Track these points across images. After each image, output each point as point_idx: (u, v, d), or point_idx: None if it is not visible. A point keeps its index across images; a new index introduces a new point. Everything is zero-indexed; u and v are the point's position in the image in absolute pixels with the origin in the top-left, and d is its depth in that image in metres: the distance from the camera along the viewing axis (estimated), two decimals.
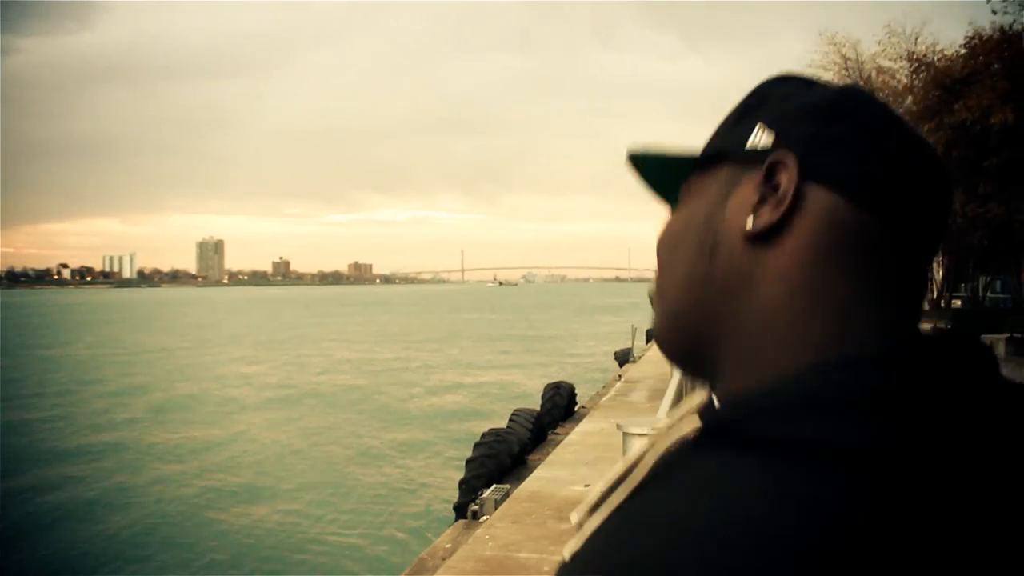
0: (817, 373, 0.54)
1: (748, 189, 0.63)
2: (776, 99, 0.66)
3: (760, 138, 0.64)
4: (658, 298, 0.70)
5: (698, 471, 0.52)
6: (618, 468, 0.59)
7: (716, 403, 0.60)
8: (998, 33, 26.76)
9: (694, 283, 0.65)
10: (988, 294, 36.70)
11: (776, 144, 0.63)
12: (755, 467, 0.49)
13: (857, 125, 0.63)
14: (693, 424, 0.56)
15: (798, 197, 0.60)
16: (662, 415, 4.88)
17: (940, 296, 35.61)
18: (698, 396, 0.62)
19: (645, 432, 3.21)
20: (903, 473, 0.47)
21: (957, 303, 36.21)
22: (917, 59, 30.92)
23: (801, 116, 0.64)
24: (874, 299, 0.60)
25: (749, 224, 0.61)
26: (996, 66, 26.22)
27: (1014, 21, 26.60)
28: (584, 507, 0.59)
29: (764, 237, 0.61)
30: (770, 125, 0.64)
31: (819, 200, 0.61)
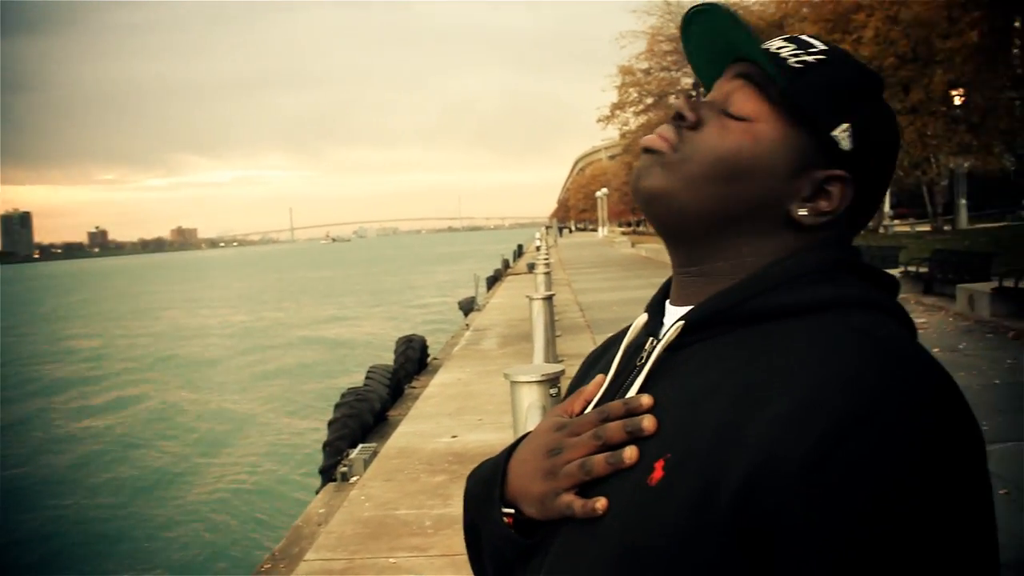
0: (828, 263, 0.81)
1: (810, 180, 0.82)
2: (862, 102, 0.82)
3: (844, 140, 0.81)
4: (711, 200, 0.83)
5: (831, 324, 0.74)
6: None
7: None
8: None
9: (741, 203, 0.82)
10: None
11: (851, 157, 0.81)
12: (859, 316, 0.75)
13: (889, 156, 0.85)
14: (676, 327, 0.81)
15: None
16: (539, 361, 4.96)
17: None
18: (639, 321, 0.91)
19: (533, 379, 3.24)
20: (898, 312, 0.80)
21: None
22: (735, 3, 32.06)
23: (874, 143, 0.82)
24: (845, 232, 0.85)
25: (799, 213, 0.82)
26: (805, 10, 27.57)
27: None
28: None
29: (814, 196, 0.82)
30: (854, 136, 0.81)
31: (847, 199, 0.82)
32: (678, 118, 0.85)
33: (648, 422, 0.76)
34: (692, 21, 0.87)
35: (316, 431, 11.32)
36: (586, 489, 0.78)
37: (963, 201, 32.57)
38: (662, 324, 0.88)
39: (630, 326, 0.92)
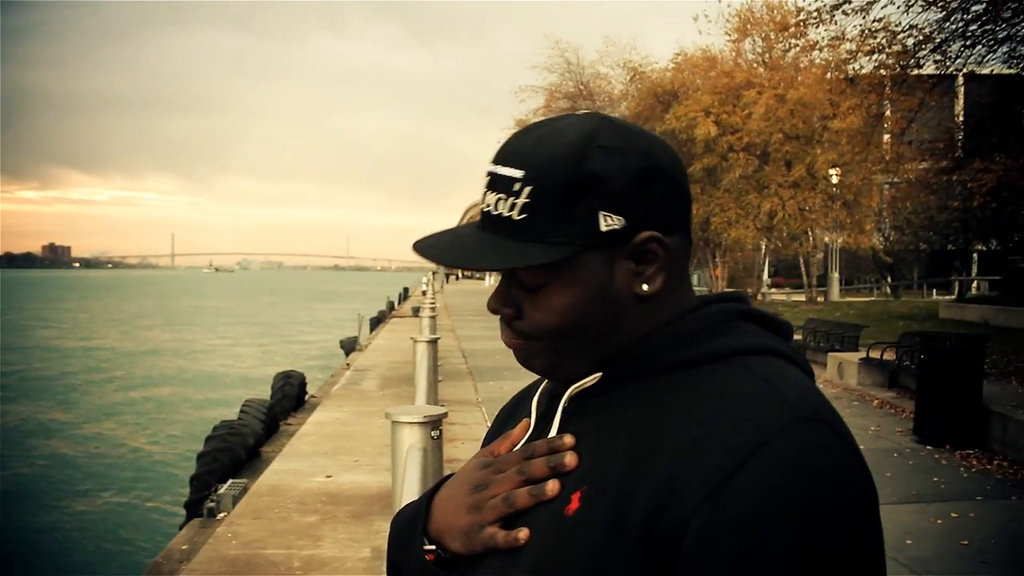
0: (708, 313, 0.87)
1: (623, 267, 0.84)
2: (599, 181, 0.82)
3: (610, 223, 0.82)
4: (575, 342, 0.87)
5: (727, 369, 0.81)
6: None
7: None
8: (700, 53, 29.31)
9: (601, 332, 0.86)
10: None
11: (627, 223, 0.82)
12: (753, 361, 0.82)
13: (669, 178, 0.85)
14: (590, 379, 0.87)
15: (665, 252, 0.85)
16: (421, 401, 4.92)
17: None
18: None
19: (415, 420, 3.22)
20: (791, 356, 0.86)
21: None
22: (632, 69, 33.03)
23: (631, 190, 0.82)
24: (687, 284, 0.89)
25: (643, 289, 0.85)
26: (699, 82, 28.68)
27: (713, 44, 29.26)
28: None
29: (650, 296, 0.85)
30: (611, 210, 0.82)
31: (672, 247, 0.85)
32: (502, 318, 0.90)
33: (570, 458, 0.82)
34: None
35: (186, 461, 10.91)
36: (509, 522, 0.84)
37: (835, 274, 34.05)
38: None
39: (541, 380, 0.98)
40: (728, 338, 0.85)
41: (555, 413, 0.90)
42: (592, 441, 0.83)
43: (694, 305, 0.89)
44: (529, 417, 0.95)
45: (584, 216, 0.81)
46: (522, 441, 0.92)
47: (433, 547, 0.90)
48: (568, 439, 0.84)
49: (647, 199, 0.83)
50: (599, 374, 0.87)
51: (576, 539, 0.77)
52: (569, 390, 0.89)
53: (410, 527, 0.93)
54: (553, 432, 0.88)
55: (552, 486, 0.82)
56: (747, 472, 0.71)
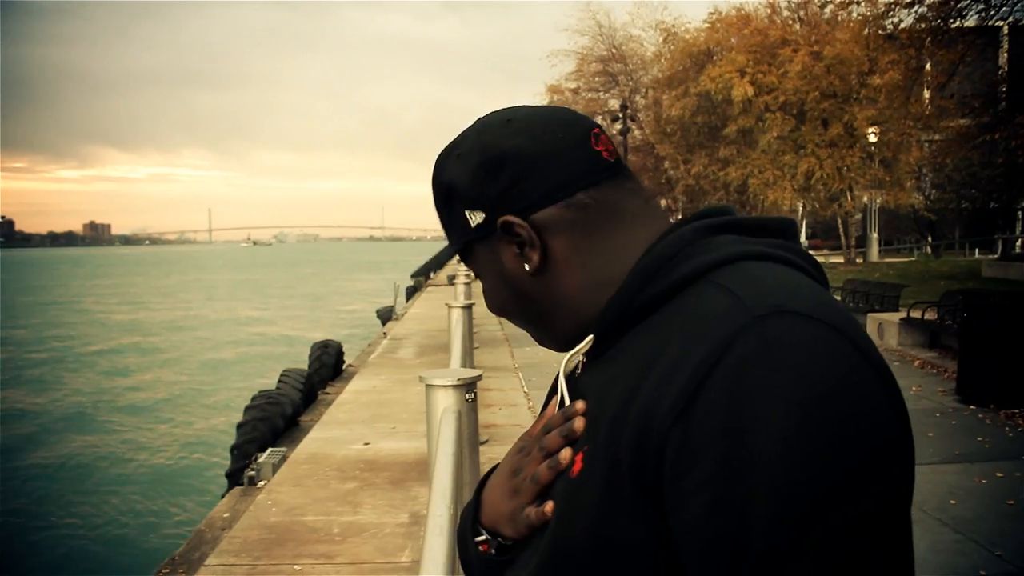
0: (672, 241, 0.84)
1: (506, 251, 0.91)
2: (453, 187, 0.92)
3: (475, 219, 0.91)
4: (524, 319, 0.97)
5: (701, 290, 0.78)
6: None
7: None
8: (734, 12, 28.79)
9: (535, 307, 0.94)
10: None
11: (488, 214, 0.90)
12: (724, 273, 0.78)
13: (515, 160, 0.88)
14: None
15: (536, 229, 0.88)
16: (455, 366, 4.91)
17: None
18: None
19: (449, 383, 3.20)
20: (772, 256, 0.81)
21: None
22: (665, 30, 32.60)
23: (476, 186, 0.90)
24: (633, 224, 0.90)
25: (528, 268, 0.90)
26: (734, 41, 28.19)
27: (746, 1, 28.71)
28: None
29: (540, 268, 0.90)
30: (472, 208, 0.91)
31: (547, 217, 0.88)
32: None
33: (579, 423, 0.83)
34: None
35: (225, 433, 11.05)
36: (543, 499, 0.85)
37: (874, 235, 33.57)
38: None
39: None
40: (694, 258, 0.82)
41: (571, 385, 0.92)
42: (593, 399, 0.84)
43: (663, 233, 0.87)
44: (556, 393, 0.95)
45: (458, 217, 0.93)
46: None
47: (487, 537, 0.93)
48: (579, 404, 0.85)
49: (492, 189, 0.89)
50: (590, 337, 0.88)
51: (580, 500, 0.78)
52: (564, 359, 0.92)
53: (465, 521, 0.98)
54: (566, 403, 0.89)
55: (564, 454, 0.83)
56: (708, 391, 0.69)
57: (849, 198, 29.99)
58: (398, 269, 63.42)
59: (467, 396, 3.25)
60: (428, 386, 3.30)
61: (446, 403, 3.21)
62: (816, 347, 0.69)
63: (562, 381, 0.91)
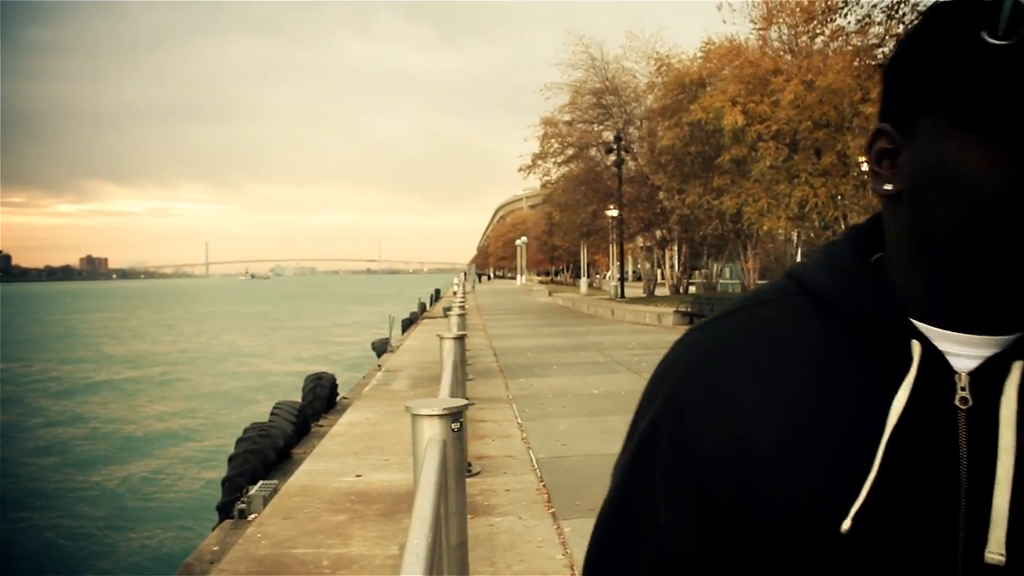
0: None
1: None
2: None
3: None
4: None
5: None
6: None
7: None
8: (727, 42, 29.02)
9: None
10: (720, 280, 39.42)
11: None
12: None
13: None
14: None
15: None
16: (444, 395, 4.88)
17: (678, 281, 38.19)
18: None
19: (434, 412, 3.17)
20: None
21: (692, 288, 38.78)
22: (659, 59, 32.81)
23: None
24: None
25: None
26: (726, 71, 28.37)
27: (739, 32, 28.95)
28: None
29: None
30: None
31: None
32: None
33: None
34: None
35: (217, 466, 10.97)
36: None
37: None
38: (940, 353, 0.74)
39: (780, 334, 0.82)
40: None
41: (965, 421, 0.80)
42: None
43: None
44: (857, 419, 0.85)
45: None
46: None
47: None
48: None
49: None
50: None
51: None
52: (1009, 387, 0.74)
53: None
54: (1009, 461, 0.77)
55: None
56: None
57: (843, 226, 29.99)
58: (396, 300, 63.42)
59: (452, 425, 3.22)
60: (414, 415, 3.28)
61: (431, 432, 3.18)
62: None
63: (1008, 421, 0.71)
